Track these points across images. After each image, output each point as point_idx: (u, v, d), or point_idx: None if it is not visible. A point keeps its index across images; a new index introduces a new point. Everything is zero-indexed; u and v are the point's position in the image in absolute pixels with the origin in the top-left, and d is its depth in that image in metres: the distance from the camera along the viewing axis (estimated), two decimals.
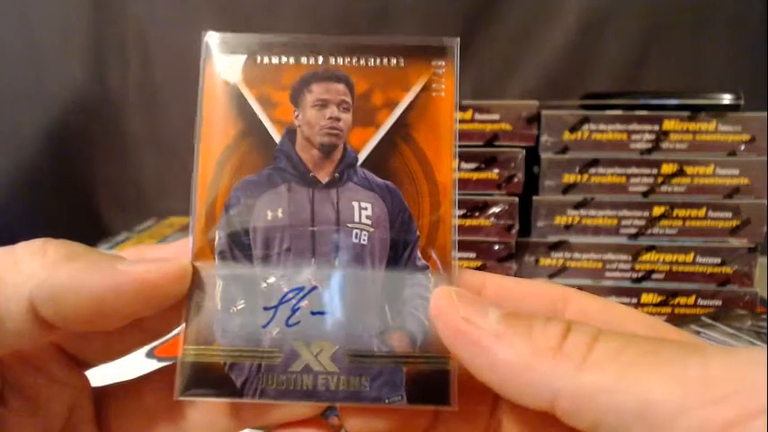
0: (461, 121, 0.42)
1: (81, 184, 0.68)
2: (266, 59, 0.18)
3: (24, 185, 0.66)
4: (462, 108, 0.42)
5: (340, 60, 0.18)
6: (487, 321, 0.15)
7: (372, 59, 0.18)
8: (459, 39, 0.19)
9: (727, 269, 0.41)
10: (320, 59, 0.18)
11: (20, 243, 0.16)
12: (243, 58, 0.18)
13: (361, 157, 0.18)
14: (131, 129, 0.68)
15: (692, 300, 0.42)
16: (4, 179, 0.66)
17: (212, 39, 0.18)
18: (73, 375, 0.18)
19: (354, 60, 0.18)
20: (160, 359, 0.35)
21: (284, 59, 0.19)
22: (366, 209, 0.18)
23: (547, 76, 0.64)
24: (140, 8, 0.65)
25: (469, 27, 0.64)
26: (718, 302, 0.41)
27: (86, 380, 0.19)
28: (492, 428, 0.18)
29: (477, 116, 0.42)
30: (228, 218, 0.18)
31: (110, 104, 0.67)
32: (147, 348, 0.34)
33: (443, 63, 0.18)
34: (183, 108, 0.67)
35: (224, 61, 0.18)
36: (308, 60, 0.18)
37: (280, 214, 0.18)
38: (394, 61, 0.18)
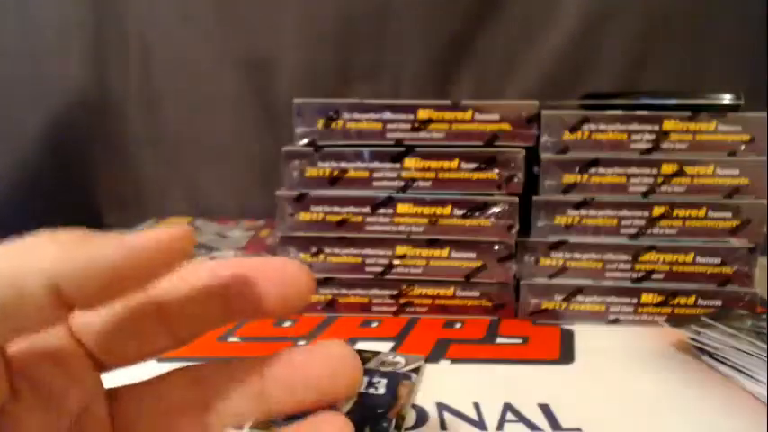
0: (461, 121, 0.42)
1: (81, 183, 0.68)
2: None
3: (24, 185, 0.66)
4: (462, 108, 0.42)
5: None
6: None
7: None
8: None
9: (727, 269, 0.41)
10: None
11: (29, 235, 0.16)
12: None
13: None
14: (131, 129, 0.68)
15: (691, 300, 0.42)
16: (4, 179, 0.66)
17: None
18: (89, 375, 0.19)
19: None
20: (160, 359, 0.35)
21: None
22: None
23: (547, 76, 0.64)
24: (140, 8, 0.65)
25: (469, 27, 0.64)
26: (718, 302, 0.41)
27: (100, 381, 0.19)
28: None
29: (477, 116, 0.42)
30: None
31: (110, 104, 0.67)
32: None
33: None
34: (182, 108, 0.67)
35: None
36: None
37: None
38: None
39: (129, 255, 0.16)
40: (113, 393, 0.19)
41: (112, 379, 0.19)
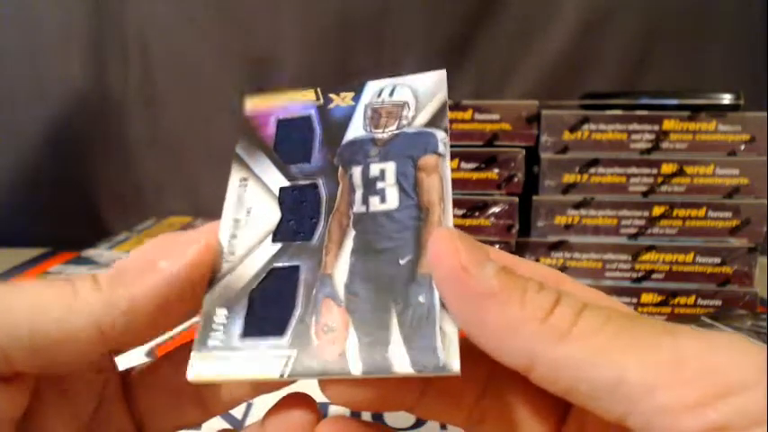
0: (461, 121, 0.42)
1: (81, 183, 0.68)
2: None
3: (24, 185, 0.66)
4: (462, 108, 0.42)
5: None
6: (484, 274, 0.14)
7: None
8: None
9: (727, 269, 0.41)
10: None
11: (71, 278, 0.17)
12: None
13: None
14: (131, 129, 0.68)
15: (691, 300, 0.42)
16: (4, 179, 0.66)
17: None
18: (105, 361, 0.19)
19: None
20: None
21: None
22: None
23: (547, 76, 0.64)
24: (140, 8, 0.65)
25: (469, 27, 0.64)
26: (718, 302, 0.41)
27: (115, 364, 0.20)
28: (476, 415, 0.18)
29: (477, 116, 0.42)
30: None
31: (110, 104, 0.67)
32: (147, 348, 0.34)
33: None
34: (183, 108, 0.67)
35: None
36: None
37: None
38: None
39: (168, 289, 0.16)
40: (126, 373, 0.20)
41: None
